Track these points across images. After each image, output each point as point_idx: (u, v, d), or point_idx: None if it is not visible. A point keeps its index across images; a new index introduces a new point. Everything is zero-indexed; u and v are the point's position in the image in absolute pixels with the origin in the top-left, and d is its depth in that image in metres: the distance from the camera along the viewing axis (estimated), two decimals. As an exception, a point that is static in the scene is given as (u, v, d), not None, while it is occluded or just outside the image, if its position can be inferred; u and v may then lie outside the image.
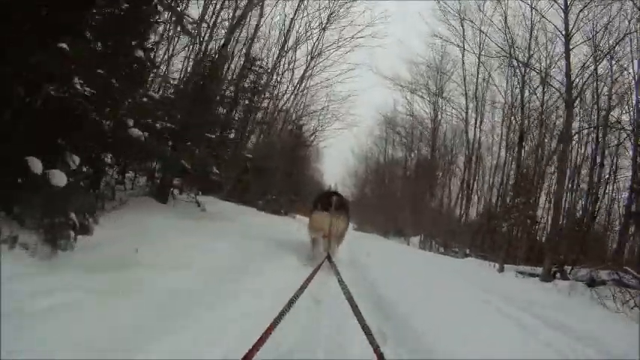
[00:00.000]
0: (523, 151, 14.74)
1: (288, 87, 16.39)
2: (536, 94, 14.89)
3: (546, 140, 15.10)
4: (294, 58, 15.83)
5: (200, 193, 8.47)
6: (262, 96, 12.56)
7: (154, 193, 6.47)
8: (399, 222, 32.61)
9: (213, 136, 6.86)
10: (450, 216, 25.31)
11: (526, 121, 14.90)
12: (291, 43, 15.12)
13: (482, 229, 19.93)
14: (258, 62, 12.35)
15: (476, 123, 19.91)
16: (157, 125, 6.70)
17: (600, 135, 14.48)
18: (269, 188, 16.70)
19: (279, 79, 14.58)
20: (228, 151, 10.80)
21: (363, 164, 40.41)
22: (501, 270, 12.88)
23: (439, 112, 22.81)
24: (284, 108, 16.47)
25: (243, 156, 11.64)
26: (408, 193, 29.74)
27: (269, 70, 12.90)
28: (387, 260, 7.42)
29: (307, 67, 16.23)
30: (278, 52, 13.72)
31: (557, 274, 9.83)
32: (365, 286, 3.99)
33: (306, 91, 17.90)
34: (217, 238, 4.65)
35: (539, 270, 11.40)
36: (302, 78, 16.40)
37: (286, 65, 15.32)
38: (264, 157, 16.92)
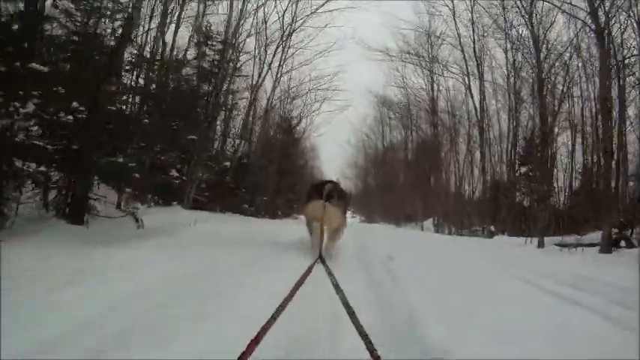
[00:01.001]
0: (546, 95, 12.42)
1: (262, 67, 14.36)
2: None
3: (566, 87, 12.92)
4: (264, 30, 13.79)
5: (152, 202, 6.55)
6: (224, 74, 10.31)
7: (63, 211, 4.52)
8: (408, 208, 30.69)
9: (146, 121, 4.87)
10: (461, 194, 23.34)
11: (544, 64, 12.65)
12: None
13: (501, 204, 17.97)
14: (212, 34, 10.12)
15: (480, 86, 17.62)
16: (65, 118, 4.77)
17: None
18: (258, 190, 14.72)
19: (239, 48, 12.25)
20: (208, 150, 8.81)
21: (362, 153, 38.63)
22: (541, 245, 10.90)
23: (435, 82, 20.53)
24: (261, 86, 14.39)
25: (206, 152, 9.57)
26: (412, 177, 27.74)
27: (227, 42, 10.55)
28: (409, 255, 5.42)
29: (282, 36, 14.14)
30: (237, 18, 11.44)
31: (622, 242, 7.84)
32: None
33: (285, 70, 15.88)
34: (116, 280, 2.66)
35: (584, 239, 9.44)
36: (276, 52, 14.42)
37: (252, 34, 13.16)
38: (248, 153, 14.98)
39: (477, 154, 22.26)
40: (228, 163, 11.99)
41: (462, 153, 22.06)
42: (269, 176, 17.35)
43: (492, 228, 15.92)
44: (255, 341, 1.41)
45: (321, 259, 3.46)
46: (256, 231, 6.26)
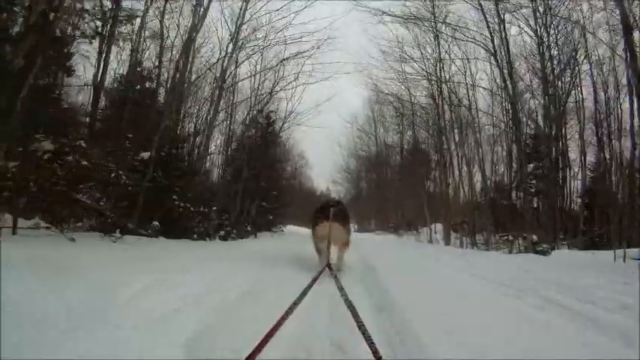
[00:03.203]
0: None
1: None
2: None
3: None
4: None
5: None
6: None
7: None
8: (408, 214, 26.45)
9: None
10: (474, 195, 19.08)
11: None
12: None
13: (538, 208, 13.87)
14: None
15: (506, 53, 13.16)
16: None
17: None
18: (208, 197, 10.24)
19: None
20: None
21: (353, 155, 34.71)
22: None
23: (444, 50, 16.01)
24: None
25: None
26: (412, 174, 23.42)
27: None
28: None
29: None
30: None
31: None
32: None
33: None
34: None
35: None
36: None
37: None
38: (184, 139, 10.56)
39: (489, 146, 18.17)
40: (146, 154, 7.53)
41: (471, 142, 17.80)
42: (233, 179, 13.01)
43: (534, 237, 11.70)
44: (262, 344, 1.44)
45: (329, 267, 3.81)
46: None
